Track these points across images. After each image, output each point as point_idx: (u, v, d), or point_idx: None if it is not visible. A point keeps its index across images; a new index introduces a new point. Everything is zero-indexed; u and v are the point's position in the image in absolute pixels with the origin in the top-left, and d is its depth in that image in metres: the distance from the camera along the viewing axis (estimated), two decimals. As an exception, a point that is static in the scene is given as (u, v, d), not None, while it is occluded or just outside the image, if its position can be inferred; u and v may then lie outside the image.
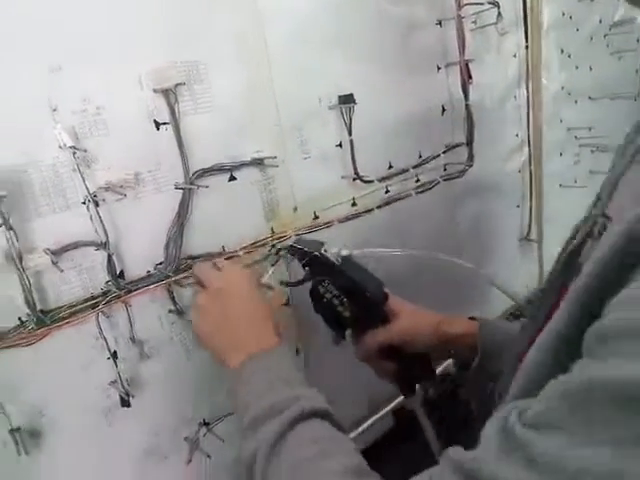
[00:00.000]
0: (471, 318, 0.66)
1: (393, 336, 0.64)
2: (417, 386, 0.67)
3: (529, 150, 1.12)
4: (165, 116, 0.60)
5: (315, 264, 0.62)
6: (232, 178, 0.67)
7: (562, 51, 1.15)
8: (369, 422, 0.93)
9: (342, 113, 0.75)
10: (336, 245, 0.63)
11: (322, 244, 0.63)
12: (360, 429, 0.92)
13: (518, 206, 1.16)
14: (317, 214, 0.78)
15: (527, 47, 1.05)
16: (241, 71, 0.66)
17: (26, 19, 0.50)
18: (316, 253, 0.62)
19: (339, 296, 0.62)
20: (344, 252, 0.61)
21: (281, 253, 0.69)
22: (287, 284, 0.70)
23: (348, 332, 0.66)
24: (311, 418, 0.43)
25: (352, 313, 0.62)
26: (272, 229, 0.73)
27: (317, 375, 0.79)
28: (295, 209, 0.75)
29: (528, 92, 1.08)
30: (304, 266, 0.64)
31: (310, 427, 0.43)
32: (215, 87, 0.63)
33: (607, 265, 0.30)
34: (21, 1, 0.49)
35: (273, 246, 0.72)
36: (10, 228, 0.49)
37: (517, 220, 1.17)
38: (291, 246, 0.65)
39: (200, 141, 0.63)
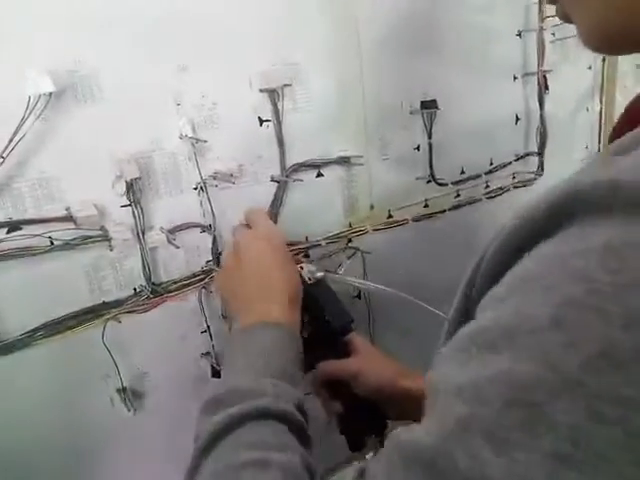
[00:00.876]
0: None
1: (344, 370, 0.58)
2: (366, 440, 0.60)
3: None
4: (268, 113, 0.65)
5: None
6: (319, 174, 0.72)
7: (638, 66, 1.14)
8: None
9: (423, 117, 0.79)
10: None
11: (301, 261, 0.62)
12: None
13: (582, 218, 1.15)
14: (391, 212, 0.81)
15: (603, 60, 1.05)
16: (335, 73, 0.70)
17: (161, 25, 0.56)
18: None
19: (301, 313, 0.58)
20: (318, 274, 0.60)
21: None
22: None
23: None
24: (267, 419, 0.37)
25: (309, 335, 0.58)
26: (350, 224, 0.77)
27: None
28: (372, 207, 0.79)
29: (601, 105, 1.08)
30: None
31: (259, 428, 0.37)
32: (312, 88, 0.68)
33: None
34: (157, 10, 0.56)
35: (350, 240, 0.77)
36: (139, 207, 0.55)
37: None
38: None
39: (296, 138, 0.68)
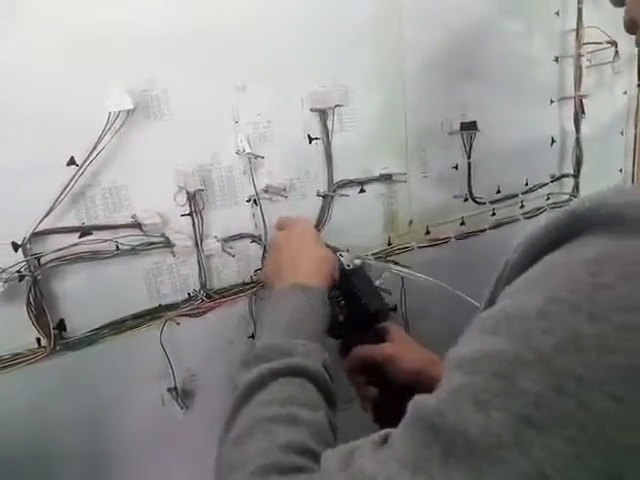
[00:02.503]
0: None
1: (378, 354, 0.59)
2: None
3: (632, 185, 1.12)
4: (317, 132, 0.69)
5: None
6: (362, 190, 0.75)
7: (673, 91, 1.15)
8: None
9: (463, 138, 0.82)
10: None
11: (341, 251, 0.63)
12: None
13: (616, 240, 1.16)
14: (429, 229, 0.84)
15: (639, 85, 1.06)
16: (380, 95, 0.74)
17: (223, 49, 0.61)
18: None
19: (338, 297, 0.61)
20: (357, 261, 0.62)
21: None
22: None
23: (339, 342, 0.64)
24: (295, 376, 0.40)
25: (346, 319, 0.61)
26: (389, 238, 0.80)
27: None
28: (410, 222, 0.82)
29: (636, 129, 1.09)
30: None
31: (289, 385, 0.40)
32: (358, 109, 0.72)
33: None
34: (220, 35, 0.60)
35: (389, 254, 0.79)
36: (199, 216, 0.59)
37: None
38: None
39: (342, 155, 0.71)
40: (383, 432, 0.30)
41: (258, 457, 0.34)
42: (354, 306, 0.61)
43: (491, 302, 0.31)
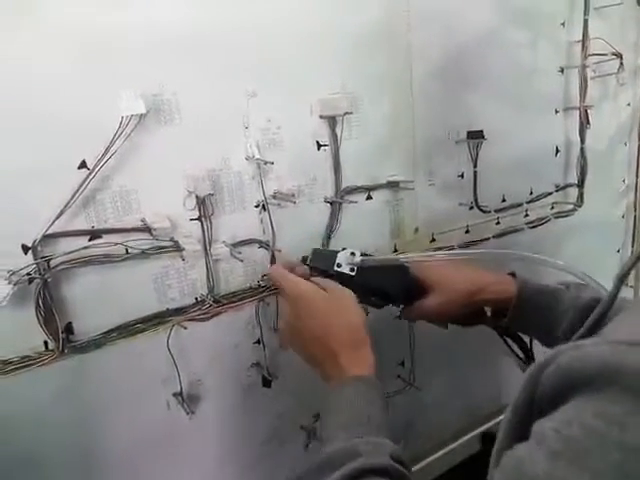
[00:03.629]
0: (511, 274, 0.66)
1: (427, 314, 0.65)
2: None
3: (635, 196, 1.13)
4: (326, 139, 0.69)
5: (335, 278, 0.61)
6: (369, 197, 0.75)
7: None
8: (457, 444, 0.97)
9: (469, 147, 0.82)
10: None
11: (336, 254, 0.62)
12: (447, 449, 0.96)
13: (619, 251, 1.16)
14: (434, 236, 0.84)
15: (643, 97, 1.07)
16: (388, 103, 0.74)
17: (234, 55, 0.61)
18: (330, 272, 0.61)
19: (367, 296, 0.63)
20: (357, 259, 0.61)
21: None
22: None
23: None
24: (368, 476, 0.40)
25: (382, 304, 0.66)
26: (395, 245, 0.80)
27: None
28: (416, 230, 0.82)
29: (640, 140, 1.10)
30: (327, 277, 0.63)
31: None
32: (366, 116, 0.72)
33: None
34: (231, 40, 0.61)
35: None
36: (208, 221, 0.59)
37: (616, 265, 1.17)
38: (310, 266, 0.63)
39: (350, 162, 0.71)
40: None
41: None
42: (383, 297, 0.64)
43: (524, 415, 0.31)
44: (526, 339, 0.66)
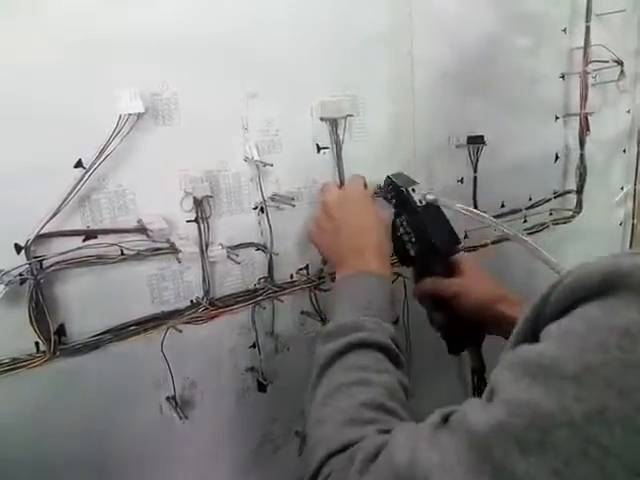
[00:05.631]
0: None
1: (444, 290, 0.64)
2: (464, 347, 0.68)
3: (634, 203, 1.13)
4: (326, 141, 0.68)
5: (400, 199, 0.66)
6: (368, 201, 0.75)
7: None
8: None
9: (469, 152, 0.82)
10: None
11: (415, 183, 0.66)
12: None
13: (616, 258, 1.16)
14: (433, 241, 0.84)
15: (642, 104, 1.07)
16: (390, 107, 0.74)
17: (235, 55, 0.60)
18: (402, 188, 0.65)
19: (410, 234, 0.65)
20: (430, 197, 0.63)
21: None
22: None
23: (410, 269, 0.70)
24: (367, 348, 0.47)
25: (417, 254, 0.65)
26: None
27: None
28: (415, 234, 0.82)
29: (639, 147, 1.10)
30: (391, 198, 0.68)
31: (362, 355, 0.46)
32: (367, 119, 0.71)
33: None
34: (233, 41, 0.60)
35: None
36: (205, 223, 0.58)
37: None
38: (387, 176, 0.68)
39: (350, 165, 0.71)
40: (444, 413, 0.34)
41: (339, 414, 0.41)
42: (424, 243, 0.64)
43: (532, 329, 0.33)
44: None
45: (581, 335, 0.28)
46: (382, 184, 0.69)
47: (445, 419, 0.33)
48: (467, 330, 0.65)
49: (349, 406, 0.41)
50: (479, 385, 0.69)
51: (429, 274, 0.65)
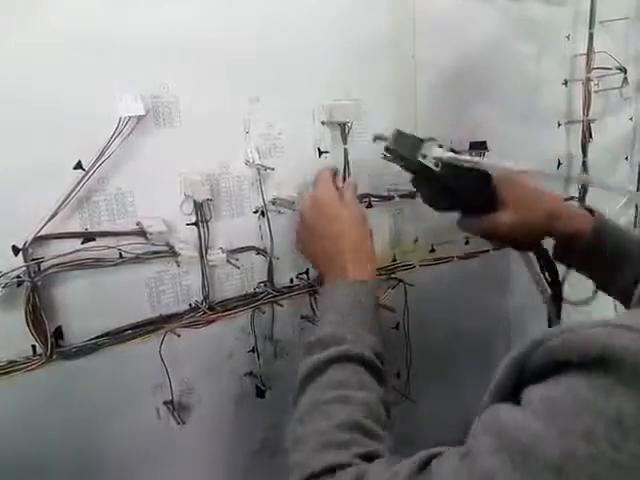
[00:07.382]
0: (589, 210, 0.63)
1: (496, 230, 0.61)
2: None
3: (636, 211, 1.12)
4: (327, 145, 0.68)
5: (413, 169, 0.58)
6: (369, 205, 0.74)
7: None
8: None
9: (471, 157, 0.81)
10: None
11: (422, 142, 0.56)
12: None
13: (618, 265, 1.15)
14: (434, 247, 0.83)
15: (645, 111, 1.07)
16: (391, 111, 0.73)
17: (238, 59, 0.60)
18: (411, 160, 0.56)
19: (438, 192, 0.60)
20: (444, 156, 0.54)
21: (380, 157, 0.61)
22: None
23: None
24: (347, 362, 0.46)
25: (451, 206, 0.62)
26: (394, 255, 0.79)
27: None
28: (416, 240, 0.81)
29: (641, 155, 1.10)
30: (403, 167, 0.60)
31: (341, 370, 0.45)
32: (370, 124, 0.71)
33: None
34: (234, 44, 0.60)
35: (393, 271, 0.78)
36: (205, 226, 0.57)
37: (614, 279, 1.17)
38: (387, 148, 0.58)
39: (351, 170, 0.70)
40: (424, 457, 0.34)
41: (316, 435, 0.40)
42: (456, 200, 0.60)
43: (511, 387, 0.32)
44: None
45: (566, 414, 0.27)
46: (389, 146, 0.58)
47: (426, 463, 0.33)
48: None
49: (326, 427, 0.41)
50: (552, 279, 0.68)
51: (470, 214, 0.62)
